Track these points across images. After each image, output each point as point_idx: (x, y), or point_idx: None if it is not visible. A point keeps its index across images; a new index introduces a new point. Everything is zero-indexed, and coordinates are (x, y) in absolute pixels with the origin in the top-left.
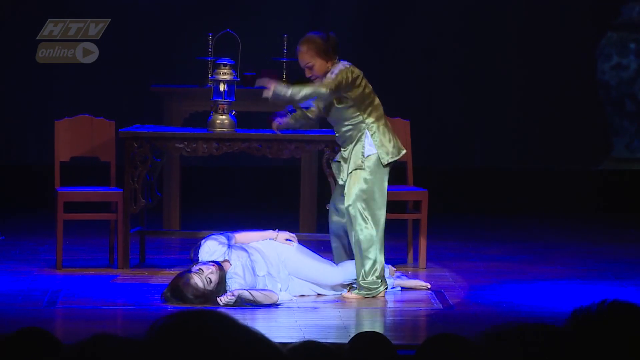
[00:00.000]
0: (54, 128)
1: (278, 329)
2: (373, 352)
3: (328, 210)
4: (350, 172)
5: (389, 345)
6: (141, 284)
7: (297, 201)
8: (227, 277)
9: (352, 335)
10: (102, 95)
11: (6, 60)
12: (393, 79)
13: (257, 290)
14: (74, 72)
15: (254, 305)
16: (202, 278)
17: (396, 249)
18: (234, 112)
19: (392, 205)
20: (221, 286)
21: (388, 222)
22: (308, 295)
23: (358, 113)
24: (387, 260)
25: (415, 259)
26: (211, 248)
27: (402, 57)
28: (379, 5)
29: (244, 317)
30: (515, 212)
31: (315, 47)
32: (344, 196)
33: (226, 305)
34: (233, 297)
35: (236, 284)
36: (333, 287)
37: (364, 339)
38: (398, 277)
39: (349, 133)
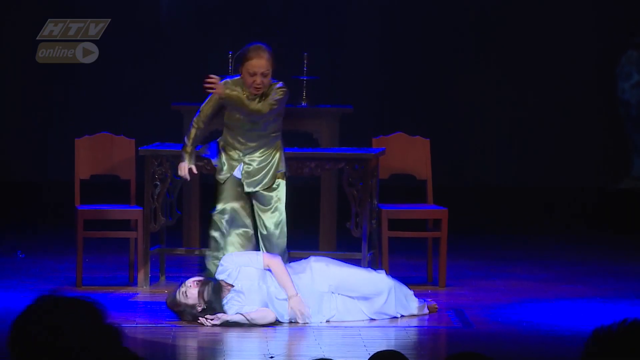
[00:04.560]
0: (74, 146)
1: (298, 347)
2: None
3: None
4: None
5: None
6: (161, 303)
7: (317, 219)
8: (229, 295)
9: (372, 354)
10: (123, 115)
11: (6, 60)
12: (413, 98)
13: (250, 312)
14: (88, 90)
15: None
16: (179, 292)
17: (416, 267)
18: None
19: (412, 224)
20: (210, 302)
21: (408, 240)
22: (353, 321)
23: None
24: (407, 279)
25: (435, 277)
26: (223, 265)
27: (421, 76)
28: (398, 25)
29: (265, 335)
30: (535, 231)
31: (273, 60)
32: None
33: (212, 326)
34: (218, 321)
35: (235, 303)
36: (379, 297)
37: (383, 357)
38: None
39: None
